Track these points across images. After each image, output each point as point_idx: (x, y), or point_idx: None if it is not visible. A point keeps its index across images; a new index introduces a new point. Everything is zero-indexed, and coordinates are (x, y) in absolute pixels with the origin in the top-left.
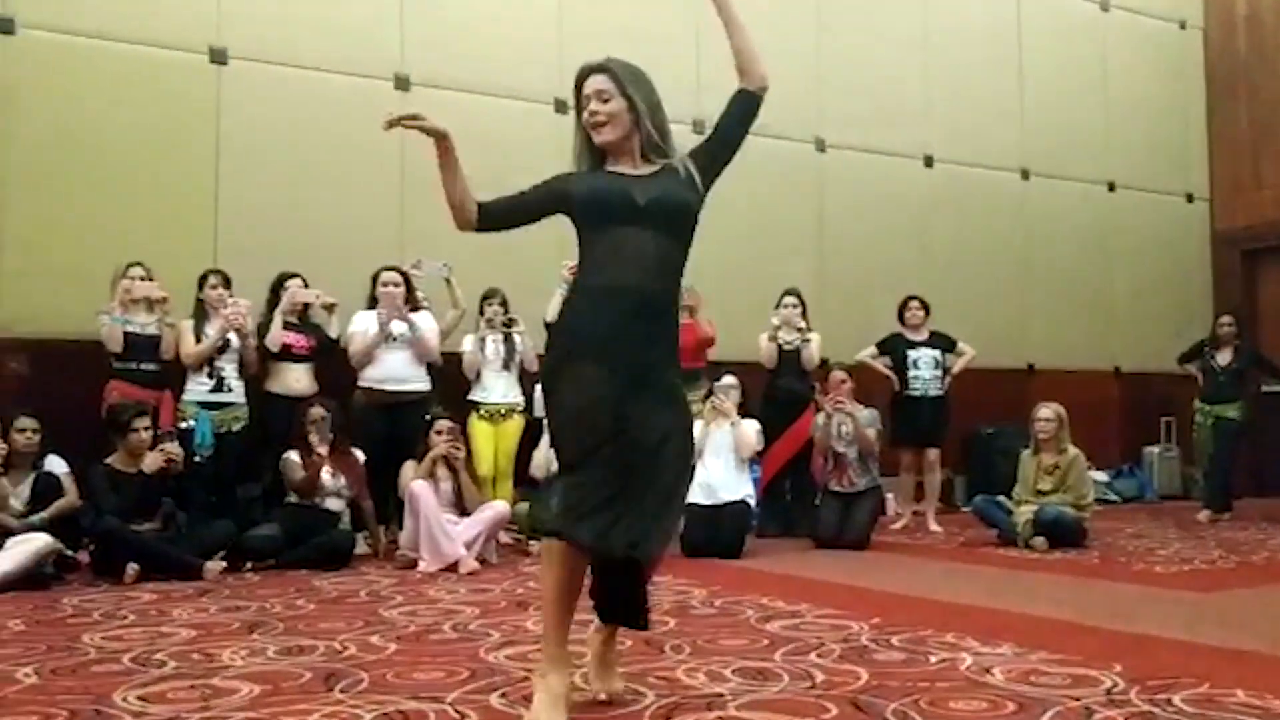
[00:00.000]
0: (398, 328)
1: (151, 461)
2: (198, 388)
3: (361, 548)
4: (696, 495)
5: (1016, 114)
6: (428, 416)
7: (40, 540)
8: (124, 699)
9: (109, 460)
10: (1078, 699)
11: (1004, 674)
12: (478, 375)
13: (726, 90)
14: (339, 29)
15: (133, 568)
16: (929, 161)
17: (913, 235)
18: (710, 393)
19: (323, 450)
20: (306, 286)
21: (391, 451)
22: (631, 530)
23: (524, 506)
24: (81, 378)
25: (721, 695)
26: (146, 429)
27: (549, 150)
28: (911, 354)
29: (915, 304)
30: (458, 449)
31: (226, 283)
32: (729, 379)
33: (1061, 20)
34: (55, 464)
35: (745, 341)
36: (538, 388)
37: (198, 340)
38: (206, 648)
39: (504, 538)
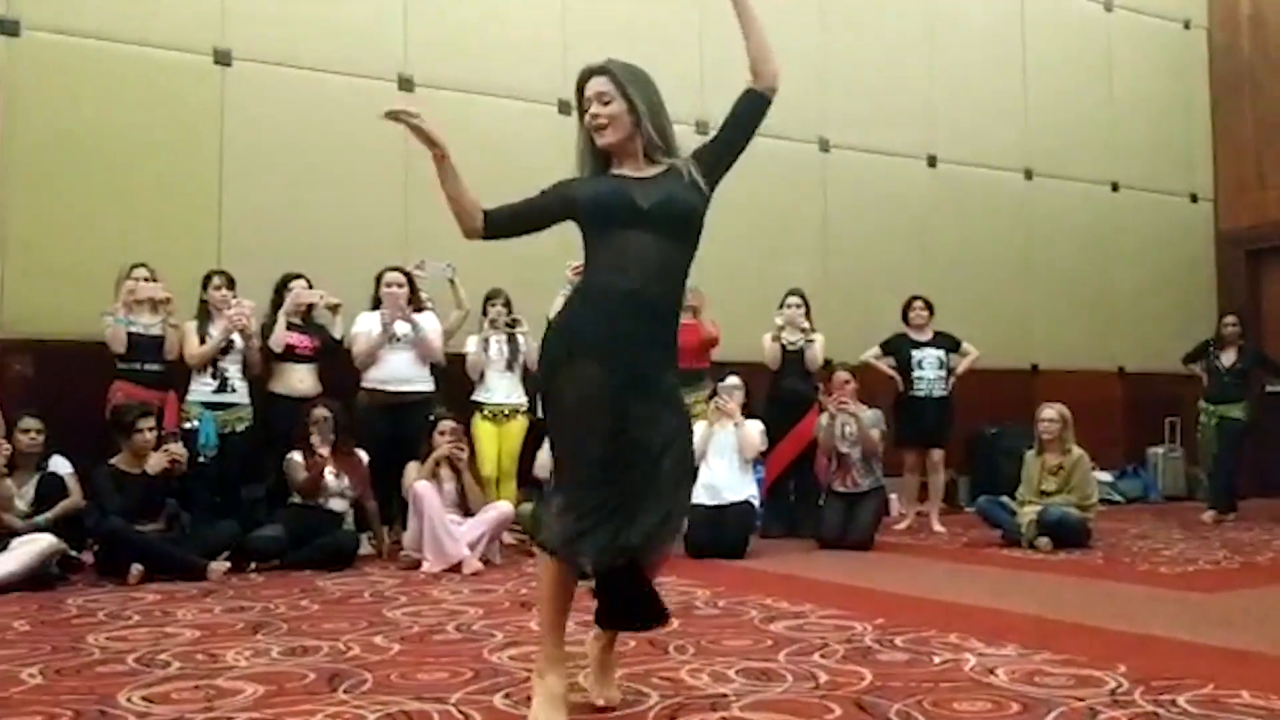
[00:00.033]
0: (401, 328)
1: (156, 462)
2: (202, 388)
3: (365, 548)
4: (700, 496)
5: (1020, 114)
6: (431, 417)
7: (45, 541)
8: (128, 699)
9: (113, 461)
10: (1082, 700)
11: (1008, 675)
12: (481, 376)
13: (730, 90)
14: (342, 30)
15: (137, 568)
16: (932, 161)
17: (916, 235)
18: (714, 393)
19: (326, 451)
20: (310, 287)
21: (395, 452)
22: (633, 538)
23: (527, 507)
24: (85, 378)
25: (725, 696)
26: (151, 429)
27: (552, 151)
28: (916, 354)
29: (919, 304)
30: (461, 450)
31: (230, 283)
32: (733, 379)
33: (1065, 20)
34: (60, 465)
35: (749, 342)
36: None
37: (201, 341)
38: (211, 648)
39: (507, 538)
